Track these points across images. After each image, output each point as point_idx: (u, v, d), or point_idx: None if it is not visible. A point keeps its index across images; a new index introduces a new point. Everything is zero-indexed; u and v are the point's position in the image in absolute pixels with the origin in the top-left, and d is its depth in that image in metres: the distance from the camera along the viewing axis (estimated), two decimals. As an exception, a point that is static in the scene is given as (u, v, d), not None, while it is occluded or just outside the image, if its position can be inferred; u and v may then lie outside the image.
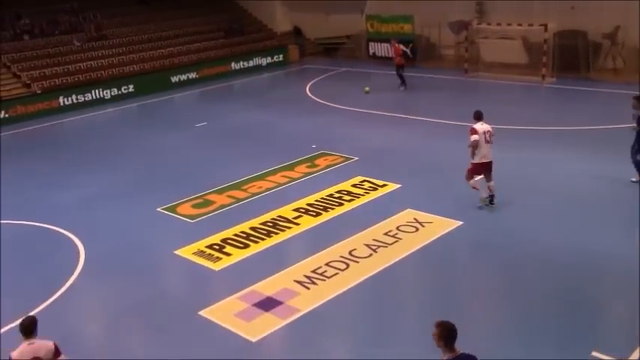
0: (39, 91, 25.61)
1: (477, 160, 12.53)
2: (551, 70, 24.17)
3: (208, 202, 14.19)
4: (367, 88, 23.76)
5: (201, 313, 9.76)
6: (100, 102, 26.32)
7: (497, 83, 24.48)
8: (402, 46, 25.27)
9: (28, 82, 26.02)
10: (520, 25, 24.52)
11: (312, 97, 24.54)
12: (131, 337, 9.53)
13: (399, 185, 14.21)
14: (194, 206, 14.04)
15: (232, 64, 30.79)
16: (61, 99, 25.57)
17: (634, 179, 13.39)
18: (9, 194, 15.76)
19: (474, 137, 12.37)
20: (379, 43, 30.52)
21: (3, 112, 24.03)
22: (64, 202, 14.92)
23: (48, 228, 13.49)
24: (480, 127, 12.48)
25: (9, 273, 11.57)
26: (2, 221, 13.95)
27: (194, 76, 29.34)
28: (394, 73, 24.98)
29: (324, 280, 10.44)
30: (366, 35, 31.51)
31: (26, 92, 25.65)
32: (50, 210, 14.45)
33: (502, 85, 24.16)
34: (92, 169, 17.44)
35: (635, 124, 13.29)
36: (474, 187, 12.79)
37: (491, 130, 12.52)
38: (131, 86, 27.39)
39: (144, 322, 9.84)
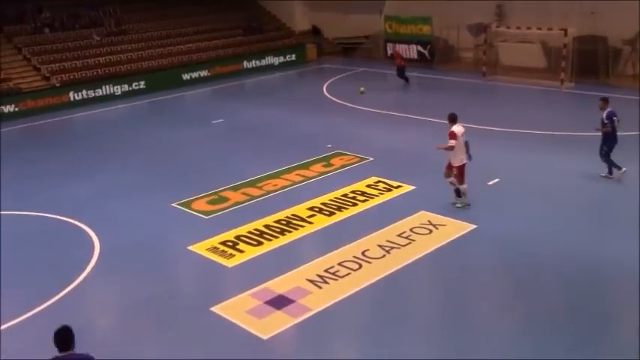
0: (58, 84, 25.83)
1: (458, 163, 12.69)
2: (570, 74, 23.99)
3: (223, 199, 14.25)
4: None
5: (213, 309, 9.82)
6: (111, 98, 26.35)
7: (515, 87, 24.35)
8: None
9: (47, 75, 26.26)
10: (540, 29, 24.37)
11: (329, 96, 24.55)
12: (143, 331, 9.58)
13: (413, 187, 14.18)
14: (209, 202, 14.11)
15: (244, 63, 30.75)
16: (71, 94, 25.62)
17: (602, 174, 14.00)
18: (24, 186, 15.99)
19: (452, 142, 12.53)
20: (397, 44, 30.45)
21: (13, 106, 24.13)
22: (78, 196, 15.04)
23: (63, 220, 13.61)
24: (458, 129, 12.65)
25: (24, 263, 11.73)
26: (17, 212, 14.12)
27: (205, 74, 29.35)
28: (412, 74, 25.08)
29: (337, 280, 10.45)
30: (384, 36, 31.46)
31: (45, 85, 25.90)
32: (65, 203, 14.56)
33: (520, 88, 24.01)
34: (107, 163, 17.58)
35: (600, 126, 13.83)
36: (464, 192, 12.90)
37: (464, 130, 12.78)
38: (142, 83, 27.43)
39: (156, 317, 9.89)
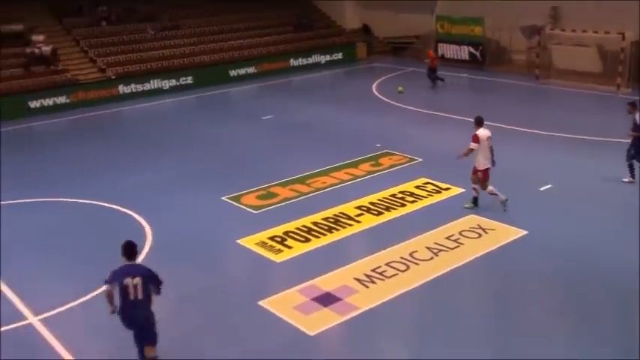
0: (113, 77, 26.46)
1: (481, 166, 12.65)
2: (626, 80, 23.39)
3: (272, 195, 14.41)
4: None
5: (261, 303, 9.94)
6: (159, 92, 26.78)
7: (568, 91, 23.87)
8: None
9: (103, 67, 26.92)
10: (596, 32, 23.83)
11: (379, 95, 24.52)
12: (191, 322, 9.74)
13: (462, 190, 14.05)
14: (258, 197, 14.29)
15: (291, 61, 30.90)
16: (120, 87, 26.16)
17: (625, 179, 14.11)
18: (77, 175, 16.53)
19: (472, 145, 12.52)
20: (448, 45, 30.21)
21: (65, 97, 24.78)
22: (131, 187, 15.41)
23: (116, 209, 13.95)
24: (483, 133, 12.58)
25: (78, 250, 12.11)
26: (69, 200, 14.58)
27: (252, 71, 29.61)
28: (462, 75, 24.81)
29: (384, 280, 10.47)
30: (435, 36, 31.22)
31: (101, 77, 26.57)
32: (118, 192, 14.92)
33: (574, 93, 23.53)
34: (158, 156, 17.95)
35: (632, 130, 14.00)
36: (492, 193, 12.81)
37: (490, 135, 12.70)
38: (190, 78, 27.80)
39: (205, 308, 10.07)
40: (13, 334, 9.44)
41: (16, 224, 13.42)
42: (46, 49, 25.87)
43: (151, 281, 7.84)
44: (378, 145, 17.47)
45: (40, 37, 26.40)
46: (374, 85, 26.23)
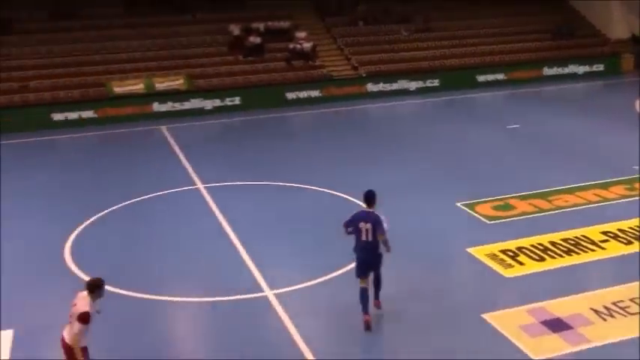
0: (364, 75, 27.58)
1: None
2: None
3: (509, 207, 13.86)
4: None
5: (485, 315, 9.60)
6: (405, 93, 27.26)
7: None
8: None
9: (356, 65, 28.18)
10: None
11: (642, 113, 22.25)
12: (407, 320, 9.71)
13: None
14: (494, 208, 13.84)
15: (544, 70, 29.35)
16: (369, 85, 27.16)
17: None
18: (323, 165, 17.54)
19: None
20: None
21: (318, 91, 26.41)
22: (370, 181, 15.59)
23: (353, 201, 14.45)
24: None
25: (314, 235, 12.80)
26: (313, 187, 15.50)
27: (502, 78, 28.71)
28: None
29: (626, 316, 9.45)
30: None
31: (353, 74, 27.84)
32: (357, 185, 15.24)
33: None
34: (398, 154, 18.34)
35: None
36: None
37: None
38: (436, 81, 27.85)
39: (427, 309, 9.98)
40: (249, 304, 10.33)
41: (263, 205, 14.68)
42: (307, 45, 27.83)
43: (378, 227, 9.20)
44: (636, 167, 15.83)
45: (303, 34, 28.50)
46: (638, 102, 23.78)
